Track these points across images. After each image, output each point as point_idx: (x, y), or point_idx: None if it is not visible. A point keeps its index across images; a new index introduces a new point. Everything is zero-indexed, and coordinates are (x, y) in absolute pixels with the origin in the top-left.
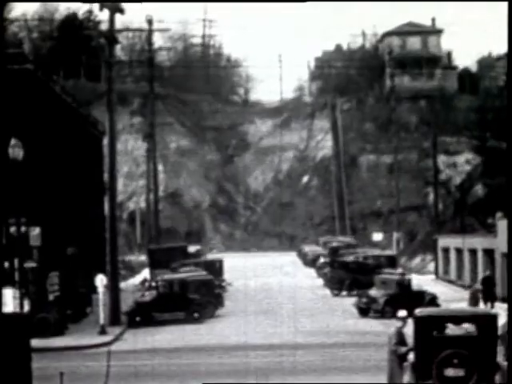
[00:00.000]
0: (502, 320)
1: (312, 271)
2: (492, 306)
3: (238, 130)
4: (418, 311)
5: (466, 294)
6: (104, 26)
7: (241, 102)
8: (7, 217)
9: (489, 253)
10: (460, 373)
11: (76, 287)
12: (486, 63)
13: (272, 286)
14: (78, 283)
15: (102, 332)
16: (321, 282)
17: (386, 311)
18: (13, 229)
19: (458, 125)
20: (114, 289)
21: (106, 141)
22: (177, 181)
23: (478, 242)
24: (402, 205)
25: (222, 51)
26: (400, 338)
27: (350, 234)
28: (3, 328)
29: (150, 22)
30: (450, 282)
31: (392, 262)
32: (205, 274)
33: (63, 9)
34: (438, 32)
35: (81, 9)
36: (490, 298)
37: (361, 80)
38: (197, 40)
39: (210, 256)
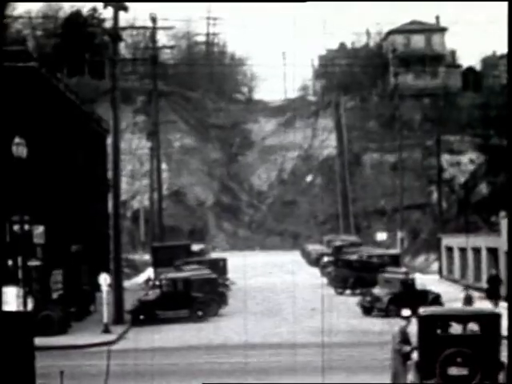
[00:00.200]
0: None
1: (316, 270)
2: (496, 305)
3: (242, 129)
4: (422, 310)
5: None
6: (108, 24)
7: (244, 101)
8: (11, 214)
9: (493, 251)
10: (463, 372)
11: (80, 285)
12: (489, 62)
13: (275, 285)
14: (82, 281)
15: (106, 330)
16: (324, 280)
17: (390, 310)
18: (16, 227)
19: (462, 123)
20: (117, 287)
21: (109, 139)
22: (180, 179)
23: (482, 241)
24: (405, 203)
25: (225, 49)
26: (404, 337)
27: (353, 232)
28: (7, 326)
29: (153, 19)
30: (454, 280)
31: (396, 260)
32: (208, 273)
33: (67, 6)
34: (442, 30)
35: (85, 6)
36: (495, 297)
37: (365, 78)
38: (201, 38)
39: (214, 254)
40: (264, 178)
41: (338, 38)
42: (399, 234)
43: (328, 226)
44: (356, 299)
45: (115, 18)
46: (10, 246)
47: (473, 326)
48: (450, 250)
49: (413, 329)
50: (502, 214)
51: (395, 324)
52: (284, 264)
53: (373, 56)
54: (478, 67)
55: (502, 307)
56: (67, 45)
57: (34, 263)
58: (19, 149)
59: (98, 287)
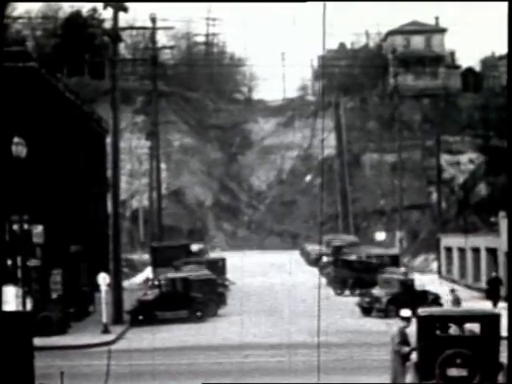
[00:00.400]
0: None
1: (315, 270)
2: (495, 306)
3: (242, 129)
4: (421, 311)
5: (468, 293)
6: (108, 24)
7: (244, 101)
8: (10, 214)
9: (492, 252)
10: (463, 372)
11: (79, 285)
12: (489, 63)
13: (274, 285)
14: (81, 281)
15: (105, 331)
16: (323, 280)
17: (389, 310)
18: (16, 226)
19: (461, 123)
20: (116, 287)
21: (109, 139)
22: (180, 179)
23: (481, 241)
24: (405, 203)
25: (225, 50)
26: (403, 338)
27: (353, 232)
28: (6, 326)
29: (153, 20)
30: (453, 281)
31: (395, 261)
32: (208, 273)
33: (67, 7)
34: (442, 31)
35: (85, 7)
36: (495, 297)
37: (364, 79)
38: (200, 38)
39: (213, 254)
40: (263, 178)
41: (338, 38)
42: (398, 234)
43: (327, 226)
44: (355, 299)
45: (115, 18)
46: (9, 245)
47: (472, 327)
48: (449, 250)
49: (412, 329)
50: (501, 214)
51: (394, 324)
52: (283, 264)
53: (372, 57)
54: (478, 68)
55: (502, 307)
56: (67, 45)
57: (33, 263)
58: (18, 148)
59: (97, 287)
